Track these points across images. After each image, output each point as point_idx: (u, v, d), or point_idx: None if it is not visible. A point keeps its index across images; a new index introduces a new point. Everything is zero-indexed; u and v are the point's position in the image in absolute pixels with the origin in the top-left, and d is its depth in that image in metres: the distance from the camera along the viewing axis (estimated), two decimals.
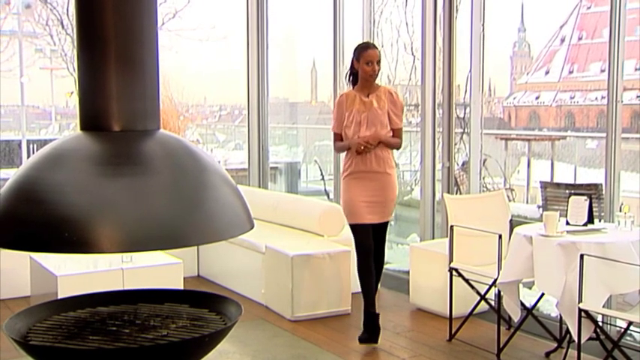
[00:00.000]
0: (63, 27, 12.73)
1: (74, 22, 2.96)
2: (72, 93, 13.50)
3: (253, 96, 7.64)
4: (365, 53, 4.57)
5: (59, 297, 4.13)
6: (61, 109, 15.50)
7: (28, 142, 12.19)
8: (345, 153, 4.68)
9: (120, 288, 4.57)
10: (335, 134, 4.74)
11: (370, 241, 4.57)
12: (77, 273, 4.75)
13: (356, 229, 4.58)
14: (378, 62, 4.60)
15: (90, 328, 2.95)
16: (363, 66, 4.56)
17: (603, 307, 3.76)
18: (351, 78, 4.71)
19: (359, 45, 4.70)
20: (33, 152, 11.63)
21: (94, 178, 2.64)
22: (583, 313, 3.66)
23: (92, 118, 2.85)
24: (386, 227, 4.74)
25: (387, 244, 4.77)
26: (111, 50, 2.78)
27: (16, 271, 5.50)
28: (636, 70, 12.34)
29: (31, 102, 14.16)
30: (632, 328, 4.04)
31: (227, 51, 12.06)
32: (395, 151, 4.74)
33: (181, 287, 4.85)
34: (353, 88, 4.70)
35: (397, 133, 4.65)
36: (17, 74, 12.60)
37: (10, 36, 12.97)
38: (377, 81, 4.66)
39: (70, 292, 3.68)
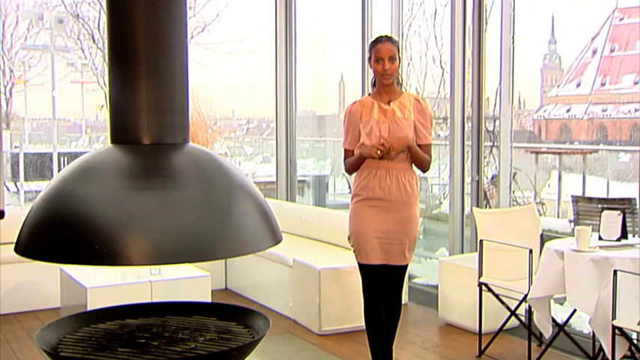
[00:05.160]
0: (94, 41, 12.94)
1: (105, 37, 2.99)
2: (102, 106, 13.69)
3: (281, 109, 7.67)
4: (374, 49, 3.74)
5: (89, 309, 4.15)
6: (92, 122, 15.72)
7: (59, 154, 12.37)
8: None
9: (148, 300, 4.59)
10: (346, 151, 3.86)
11: (380, 287, 3.84)
12: (106, 285, 4.79)
13: (364, 269, 3.83)
14: (392, 58, 3.71)
15: (119, 341, 2.96)
16: (374, 64, 3.74)
17: (638, 324, 3.68)
18: (374, 83, 3.87)
19: (372, 40, 3.86)
20: (64, 165, 11.79)
21: (124, 191, 2.66)
22: (617, 331, 3.59)
23: (122, 132, 2.87)
24: (403, 271, 3.87)
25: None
26: (141, 64, 2.81)
27: (47, 283, 5.57)
28: None
29: (62, 115, 14.38)
30: None
31: (255, 64, 12.15)
32: (420, 173, 3.90)
33: (209, 300, 4.85)
34: (370, 94, 3.90)
35: (425, 149, 3.77)
36: (49, 88, 12.83)
37: (42, 50, 13.21)
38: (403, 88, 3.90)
39: (99, 304, 3.70)
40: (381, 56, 3.70)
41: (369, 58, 3.78)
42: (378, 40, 3.78)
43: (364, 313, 3.91)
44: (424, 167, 3.81)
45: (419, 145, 3.76)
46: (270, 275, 5.69)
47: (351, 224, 3.84)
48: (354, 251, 3.85)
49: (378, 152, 3.62)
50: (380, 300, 3.87)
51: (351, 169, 3.86)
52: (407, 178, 3.74)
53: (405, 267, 3.87)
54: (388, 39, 3.80)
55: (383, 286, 3.85)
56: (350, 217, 3.85)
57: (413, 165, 3.83)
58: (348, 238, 3.87)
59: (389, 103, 3.78)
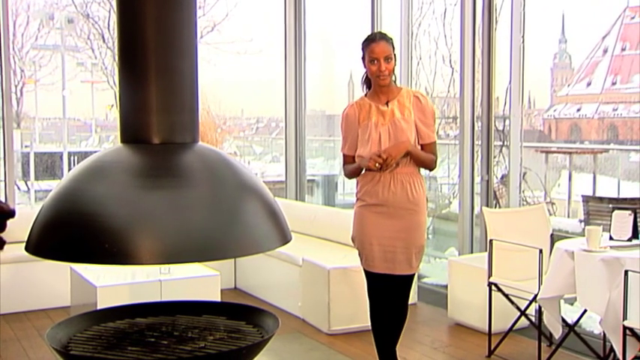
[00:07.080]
0: (104, 41, 12.98)
1: (115, 36, 2.99)
2: (112, 106, 13.73)
3: (290, 108, 7.67)
4: (367, 48, 3.53)
5: (98, 307, 4.17)
6: (101, 122, 15.77)
7: (69, 154, 12.43)
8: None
9: (158, 299, 4.60)
10: (345, 157, 3.73)
11: (386, 292, 3.72)
12: (116, 284, 4.80)
13: (368, 273, 3.73)
14: (388, 58, 3.50)
15: (129, 339, 2.97)
16: (369, 65, 3.54)
17: None
18: (365, 83, 3.70)
19: (364, 39, 3.62)
20: (74, 164, 11.85)
21: (133, 190, 2.66)
22: (628, 331, 3.57)
23: (132, 131, 2.87)
24: (409, 280, 3.72)
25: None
26: (151, 63, 2.81)
27: (57, 282, 5.59)
28: None
29: (73, 114, 14.44)
30: None
31: (264, 64, 12.14)
32: (428, 172, 3.78)
33: (218, 299, 4.86)
34: (366, 95, 3.69)
35: (429, 148, 3.61)
36: (59, 87, 12.88)
37: (52, 50, 13.26)
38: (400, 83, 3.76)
39: (109, 302, 3.71)
40: (376, 57, 3.51)
41: (363, 58, 3.58)
42: (372, 39, 3.57)
43: (370, 315, 3.84)
44: (430, 167, 3.68)
45: (422, 145, 3.61)
46: (280, 275, 5.69)
47: (354, 228, 3.74)
48: (359, 255, 3.76)
49: (377, 165, 3.47)
50: (386, 302, 3.77)
51: (351, 175, 3.75)
52: (413, 184, 3.58)
53: (411, 276, 3.72)
54: (382, 37, 3.59)
55: (388, 290, 3.75)
56: (354, 220, 3.74)
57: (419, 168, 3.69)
58: (352, 240, 3.80)
59: (387, 103, 3.59)
